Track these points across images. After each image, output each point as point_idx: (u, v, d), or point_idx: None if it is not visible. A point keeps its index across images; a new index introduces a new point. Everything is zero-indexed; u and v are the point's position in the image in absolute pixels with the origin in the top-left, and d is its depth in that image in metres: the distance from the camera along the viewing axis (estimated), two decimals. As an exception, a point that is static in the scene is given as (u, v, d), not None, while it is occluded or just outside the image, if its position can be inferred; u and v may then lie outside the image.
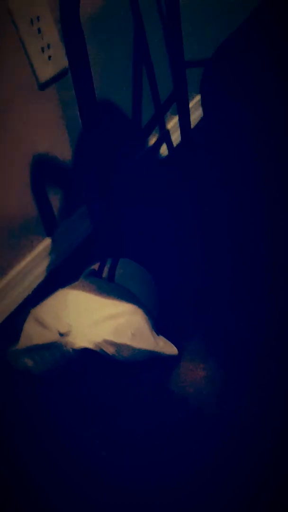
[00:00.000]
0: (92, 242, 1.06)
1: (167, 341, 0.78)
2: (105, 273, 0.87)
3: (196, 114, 1.34)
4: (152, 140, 1.25)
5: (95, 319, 0.73)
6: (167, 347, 0.78)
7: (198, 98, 1.35)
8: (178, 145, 1.31)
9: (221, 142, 1.27)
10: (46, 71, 0.88)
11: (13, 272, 0.94)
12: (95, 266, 0.89)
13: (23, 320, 0.79)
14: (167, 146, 1.30)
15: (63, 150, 0.97)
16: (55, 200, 0.99)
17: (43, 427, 0.73)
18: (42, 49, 0.85)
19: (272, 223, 1.01)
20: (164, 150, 1.29)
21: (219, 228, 1.04)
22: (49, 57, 0.87)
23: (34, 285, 0.99)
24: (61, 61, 0.89)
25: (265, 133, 1.24)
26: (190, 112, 1.26)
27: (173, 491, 0.64)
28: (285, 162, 1.15)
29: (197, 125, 1.34)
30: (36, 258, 0.98)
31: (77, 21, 0.86)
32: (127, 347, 0.72)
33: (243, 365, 0.77)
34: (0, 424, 0.75)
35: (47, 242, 1.00)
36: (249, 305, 0.85)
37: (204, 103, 1.35)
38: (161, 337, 0.79)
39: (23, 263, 0.96)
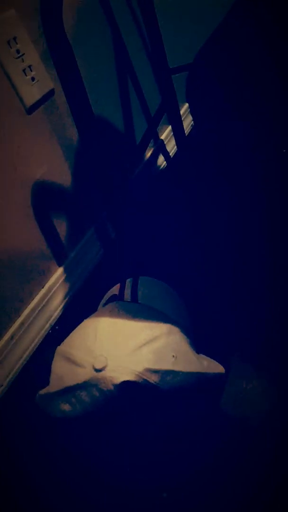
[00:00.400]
0: (105, 264, 1.00)
1: (210, 359, 0.71)
2: (127, 295, 0.80)
3: (187, 122, 1.32)
4: (149, 153, 1.20)
5: (132, 347, 0.65)
6: (212, 366, 0.70)
7: (186, 106, 1.32)
8: (174, 154, 1.27)
9: (215, 146, 1.24)
10: (31, 94, 0.83)
11: (26, 311, 0.86)
12: (115, 290, 0.83)
13: (47, 360, 0.71)
14: (164, 156, 1.26)
15: (62, 173, 0.92)
16: (61, 227, 0.93)
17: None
18: (24, 71, 0.81)
19: (271, 223, 0.98)
20: (161, 160, 1.25)
21: (219, 228, 1.00)
22: (33, 79, 0.83)
23: (53, 320, 0.91)
24: (46, 82, 0.85)
25: (260, 134, 1.21)
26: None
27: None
28: (283, 162, 1.13)
29: (190, 133, 1.31)
30: (50, 292, 0.91)
31: (63, 32, 0.82)
32: (171, 372, 0.65)
33: (242, 365, 0.74)
34: (1, 425, 0.72)
35: (59, 272, 0.93)
36: (249, 305, 0.82)
37: (192, 110, 1.32)
38: (203, 356, 0.71)
39: (36, 299, 0.88)
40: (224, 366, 0.72)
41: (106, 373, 0.62)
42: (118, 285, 0.83)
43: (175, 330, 0.70)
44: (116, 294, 0.81)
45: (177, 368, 0.65)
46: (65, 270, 0.94)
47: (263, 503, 0.58)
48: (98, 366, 0.62)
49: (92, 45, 0.94)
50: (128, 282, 0.82)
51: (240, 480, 0.61)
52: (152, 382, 0.63)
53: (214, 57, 1.26)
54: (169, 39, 1.09)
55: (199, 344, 0.74)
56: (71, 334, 0.72)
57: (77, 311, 0.80)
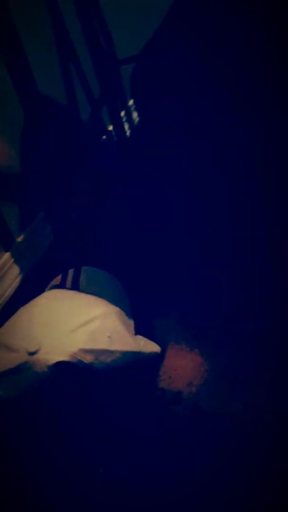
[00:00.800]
0: (54, 250, 1.00)
1: (147, 339, 0.73)
2: (68, 284, 0.81)
3: (134, 115, 1.33)
4: (102, 144, 1.21)
5: (67, 329, 0.67)
6: (148, 346, 0.72)
7: (131, 101, 1.33)
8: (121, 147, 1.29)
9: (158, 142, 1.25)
10: None
11: None
12: (58, 278, 0.84)
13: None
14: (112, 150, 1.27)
15: (5, 158, 0.91)
16: (8, 211, 0.92)
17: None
18: None
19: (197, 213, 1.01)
20: (110, 152, 1.26)
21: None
22: None
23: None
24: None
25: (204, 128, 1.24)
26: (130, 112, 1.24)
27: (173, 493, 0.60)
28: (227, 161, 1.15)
29: (137, 126, 1.32)
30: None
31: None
32: (106, 352, 0.66)
33: (178, 345, 0.75)
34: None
35: (5, 258, 0.92)
36: (187, 288, 0.83)
37: (138, 106, 1.34)
38: (140, 336, 0.73)
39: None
40: (161, 346, 0.74)
41: (40, 356, 0.63)
42: (61, 275, 0.84)
43: (111, 313, 0.72)
44: (58, 284, 0.82)
45: (112, 347, 0.67)
46: (12, 256, 0.93)
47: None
48: (31, 349, 0.63)
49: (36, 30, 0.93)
50: (71, 271, 0.83)
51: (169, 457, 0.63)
52: (87, 362, 0.65)
53: (162, 50, 1.27)
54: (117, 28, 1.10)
55: (138, 326, 0.76)
56: (6, 322, 0.72)
57: (23, 299, 0.80)
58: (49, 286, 0.83)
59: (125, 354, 0.68)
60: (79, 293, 0.77)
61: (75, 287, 0.79)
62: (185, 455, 0.63)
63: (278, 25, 1.33)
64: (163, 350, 0.75)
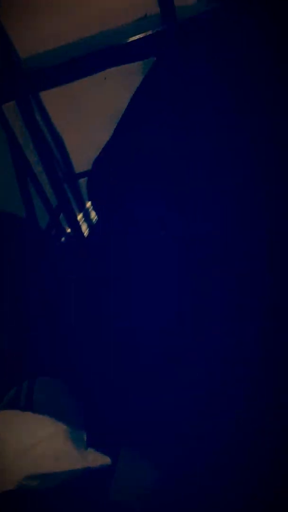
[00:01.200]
0: (11, 360, 0.99)
1: (97, 453, 0.75)
2: (22, 400, 0.85)
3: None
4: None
5: (14, 455, 0.72)
6: (97, 459, 0.74)
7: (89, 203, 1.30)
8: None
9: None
10: None
11: None
12: (12, 392, 0.88)
13: None
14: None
15: None
16: None
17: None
18: None
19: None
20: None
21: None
22: None
23: None
24: None
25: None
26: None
27: None
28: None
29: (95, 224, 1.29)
30: None
31: None
32: (52, 475, 0.70)
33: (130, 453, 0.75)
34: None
35: None
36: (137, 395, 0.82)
37: (95, 207, 1.31)
38: (91, 450, 0.75)
39: None
40: (113, 456, 0.75)
41: (-13, 485, 0.69)
42: (15, 389, 0.88)
43: (59, 432, 0.75)
44: (13, 398, 0.86)
45: (58, 469, 0.71)
46: None
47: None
48: (-21, 481, 0.70)
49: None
50: (25, 385, 0.87)
51: None
52: (33, 486, 0.70)
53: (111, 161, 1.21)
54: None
55: (92, 435, 0.78)
56: None
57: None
58: (4, 401, 0.87)
59: (73, 472, 0.71)
60: (29, 414, 0.79)
61: (28, 403, 0.83)
62: None
63: (278, 25, 1.24)
64: (115, 460, 0.76)
